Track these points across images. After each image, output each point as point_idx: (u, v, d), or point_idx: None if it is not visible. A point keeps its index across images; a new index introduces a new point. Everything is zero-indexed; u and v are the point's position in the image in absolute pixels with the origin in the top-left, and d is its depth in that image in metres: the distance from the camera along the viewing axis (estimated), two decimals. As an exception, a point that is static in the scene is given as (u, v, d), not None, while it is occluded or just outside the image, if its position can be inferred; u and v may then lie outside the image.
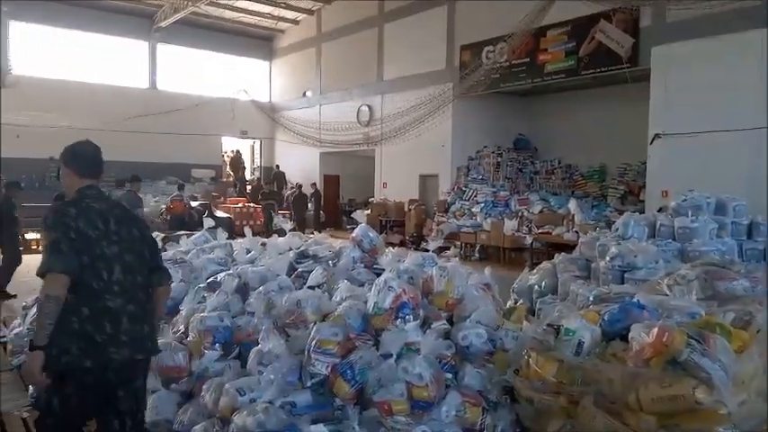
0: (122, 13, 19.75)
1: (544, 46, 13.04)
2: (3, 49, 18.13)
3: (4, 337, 5.38)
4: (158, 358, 3.44)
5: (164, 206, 16.59)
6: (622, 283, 4.87)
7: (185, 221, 12.74)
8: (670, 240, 5.58)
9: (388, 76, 17.66)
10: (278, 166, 21.96)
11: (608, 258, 5.17)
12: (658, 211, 7.38)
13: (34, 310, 4.66)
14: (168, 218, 13.97)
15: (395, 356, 3.08)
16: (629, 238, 5.57)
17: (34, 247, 13.55)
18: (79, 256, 2.44)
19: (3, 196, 8.72)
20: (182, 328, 3.69)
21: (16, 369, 4.63)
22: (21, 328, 4.80)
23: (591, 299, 3.71)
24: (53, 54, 19.06)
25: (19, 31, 18.44)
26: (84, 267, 2.45)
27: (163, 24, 19.66)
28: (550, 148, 15.68)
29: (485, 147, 15.67)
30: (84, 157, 2.73)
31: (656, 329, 2.76)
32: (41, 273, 2.42)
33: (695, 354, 2.52)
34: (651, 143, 11.09)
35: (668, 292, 3.74)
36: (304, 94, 21.48)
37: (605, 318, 3.10)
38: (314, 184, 19.31)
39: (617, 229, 5.83)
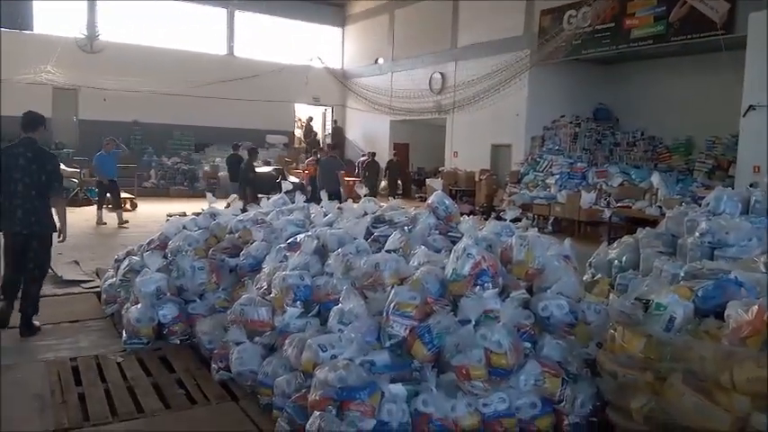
0: (202, -20, 20.21)
1: (631, 10, 12.34)
2: (91, 16, 18.97)
3: (98, 287, 5.75)
4: (243, 312, 3.59)
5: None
6: (712, 261, 4.62)
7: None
8: (764, 218, 5.23)
9: (462, 43, 17.27)
10: (335, 122, 22.01)
11: (697, 234, 4.90)
12: (750, 186, 6.93)
13: (126, 262, 4.95)
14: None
15: (473, 323, 3.07)
16: (721, 213, 5.25)
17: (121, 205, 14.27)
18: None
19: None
20: (264, 285, 3.81)
21: (110, 317, 4.95)
22: (113, 279, 5.10)
23: (682, 275, 3.54)
24: (137, 21, 19.77)
25: (106, -2, 19.22)
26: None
27: (240, -9, 19.98)
28: (633, 118, 14.95)
29: (562, 116, 15.14)
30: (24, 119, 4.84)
31: (755, 307, 2.62)
32: None
33: (799, 335, 2.37)
34: (744, 115, 10.36)
35: (765, 271, 3.53)
36: (376, 61, 21.38)
37: (699, 294, 2.96)
38: (395, 153, 19.21)
39: (707, 203, 5.50)
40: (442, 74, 17.88)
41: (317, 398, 2.71)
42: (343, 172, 11.36)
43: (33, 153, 4.62)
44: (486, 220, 5.05)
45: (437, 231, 4.46)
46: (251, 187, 11.50)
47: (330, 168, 11.14)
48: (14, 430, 2.97)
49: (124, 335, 4.25)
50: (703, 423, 2.57)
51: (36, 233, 4.58)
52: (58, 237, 4.83)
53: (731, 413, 2.50)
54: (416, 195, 18.72)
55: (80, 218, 12.44)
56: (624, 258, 5.56)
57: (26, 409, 3.19)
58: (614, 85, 15.28)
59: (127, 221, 11.62)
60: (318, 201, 5.62)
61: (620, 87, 15.14)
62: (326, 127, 24.19)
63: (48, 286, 6.02)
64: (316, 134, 22.82)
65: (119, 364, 3.90)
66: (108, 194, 11.75)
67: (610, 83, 15.34)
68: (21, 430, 2.97)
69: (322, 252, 4.08)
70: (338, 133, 21.45)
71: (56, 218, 4.77)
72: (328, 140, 22.14)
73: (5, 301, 4.63)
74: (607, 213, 11.17)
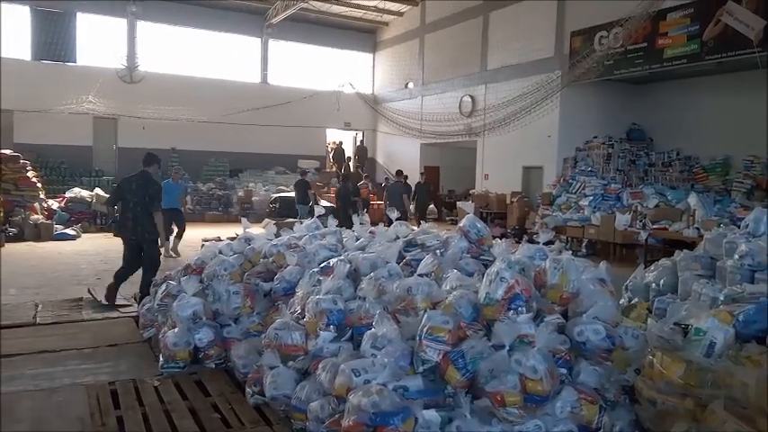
0: (238, 11, 20.83)
1: (664, 30, 12.25)
2: (131, 47, 19.67)
3: (135, 312, 5.87)
4: (277, 337, 3.63)
5: (273, 195, 17.42)
6: (752, 284, 4.49)
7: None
8: (806, 239, 5.06)
9: (492, 66, 17.35)
10: (340, 143, 22.15)
11: (737, 257, 4.77)
12: (793, 207, 6.74)
13: (164, 287, 5.06)
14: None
15: (507, 348, 3.04)
16: (761, 235, 5.11)
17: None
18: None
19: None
20: (298, 309, 3.85)
21: (147, 341, 5.04)
22: (150, 304, 5.21)
23: (722, 298, 3.45)
24: (175, 51, 20.44)
25: (145, 29, 19.95)
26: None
27: (274, 21, 20.51)
28: (668, 138, 14.73)
29: (594, 137, 15.01)
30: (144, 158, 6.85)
31: (800, 333, 2.54)
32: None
33: None
34: (783, 133, 10.13)
35: (809, 294, 3.41)
36: (406, 85, 21.60)
37: (740, 318, 2.89)
38: (422, 174, 19.17)
39: (747, 225, 5.36)
40: (472, 97, 17.96)
41: (351, 423, 2.71)
42: (406, 195, 12.65)
43: (143, 181, 6.53)
44: (518, 242, 5.01)
45: (469, 255, 4.44)
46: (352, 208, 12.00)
47: (398, 192, 12.46)
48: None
49: (161, 359, 4.32)
50: (748, 452, 2.49)
51: (144, 239, 6.27)
52: (160, 241, 6.65)
53: (776, 442, 2.42)
54: (447, 218, 18.68)
55: (118, 243, 12.74)
56: (662, 282, 5.44)
57: (67, 432, 3.26)
58: (648, 105, 15.11)
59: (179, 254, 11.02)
60: (348, 223, 5.71)
61: (654, 107, 14.96)
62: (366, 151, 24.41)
63: (87, 311, 6.21)
64: (350, 158, 23.05)
65: (156, 387, 3.96)
66: (173, 223, 10.58)
67: (643, 103, 15.18)
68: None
69: (354, 276, 4.11)
70: (362, 153, 21.76)
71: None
72: (351, 161, 22.38)
73: (115, 282, 6.52)
74: (643, 235, 10.96)
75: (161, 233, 6.57)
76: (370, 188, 18.92)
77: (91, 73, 18.44)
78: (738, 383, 2.61)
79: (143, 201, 6.40)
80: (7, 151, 14.68)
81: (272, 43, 21.84)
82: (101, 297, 6.62)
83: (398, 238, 4.86)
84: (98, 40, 19.41)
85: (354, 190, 13.14)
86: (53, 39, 18.42)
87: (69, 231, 13.49)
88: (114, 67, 19.13)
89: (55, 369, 4.32)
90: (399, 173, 14.09)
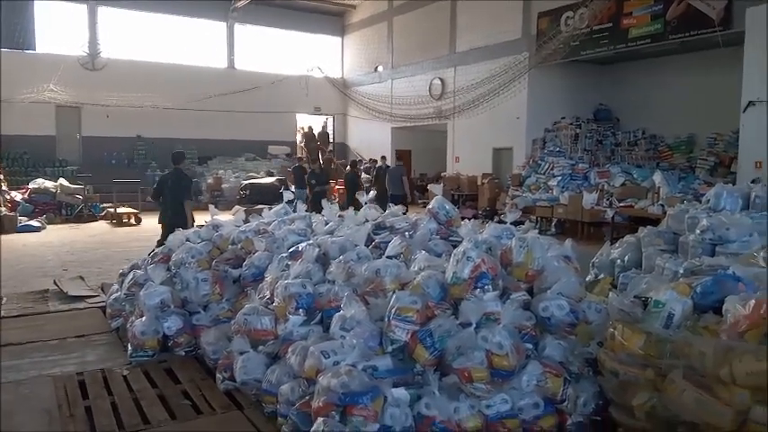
0: (202, -5, 20.36)
1: (628, 10, 12.43)
2: (92, 33, 19.14)
3: (103, 302, 5.79)
4: (247, 322, 3.63)
5: (243, 182, 17.25)
6: (712, 257, 4.62)
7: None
8: (765, 213, 5.23)
9: (461, 48, 17.36)
10: (310, 128, 22.02)
11: (698, 231, 4.90)
12: (752, 183, 6.93)
13: (131, 275, 4.99)
14: None
15: (474, 325, 3.09)
16: (722, 210, 5.26)
17: (125, 220, 14.38)
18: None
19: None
20: (267, 294, 3.84)
21: (115, 331, 4.98)
22: (118, 294, 5.14)
23: (681, 272, 3.54)
24: (138, 37, 19.94)
25: (106, 15, 19.40)
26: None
27: (239, 5, 20.13)
28: (634, 118, 14.99)
29: (562, 118, 15.18)
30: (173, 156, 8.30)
31: (753, 301, 2.62)
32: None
33: (797, 327, 2.38)
34: (744, 111, 10.38)
35: (764, 266, 3.53)
36: (375, 68, 21.49)
37: (697, 290, 2.97)
38: (398, 158, 19.01)
39: (708, 200, 5.52)
40: (441, 79, 17.97)
41: (321, 404, 2.73)
42: (406, 178, 13.50)
43: (177, 177, 7.84)
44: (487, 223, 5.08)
45: (438, 236, 4.48)
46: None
47: (397, 175, 13.35)
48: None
49: (129, 348, 4.28)
50: (705, 417, 2.58)
51: (177, 224, 6.75)
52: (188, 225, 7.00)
53: (732, 407, 2.51)
54: (420, 201, 18.74)
55: (84, 234, 12.53)
56: (626, 257, 5.57)
57: (34, 424, 3.22)
58: (614, 86, 15.32)
59: None
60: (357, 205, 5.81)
61: (620, 87, 15.18)
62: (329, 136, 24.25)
63: (53, 302, 6.10)
64: (318, 143, 22.89)
65: (125, 377, 3.93)
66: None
67: (609, 83, 15.39)
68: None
69: (323, 260, 4.11)
70: (323, 138, 21.88)
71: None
72: (324, 148, 22.26)
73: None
74: (610, 213, 11.18)
75: (188, 218, 7.45)
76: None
77: (51, 60, 17.89)
78: (696, 353, 2.69)
79: (177, 193, 7.66)
80: (-34, 142, 14.24)
81: (237, 27, 21.46)
82: (67, 288, 6.50)
83: (367, 221, 4.88)
84: (58, 27, 18.82)
85: (404, 170, 14.15)
86: (10, 25, 17.80)
87: (34, 223, 13.18)
88: (76, 55, 18.60)
89: (21, 361, 4.24)
90: (399, 158, 14.84)
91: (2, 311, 5.70)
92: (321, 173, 13.88)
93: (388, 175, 13.80)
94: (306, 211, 5.61)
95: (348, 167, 15.44)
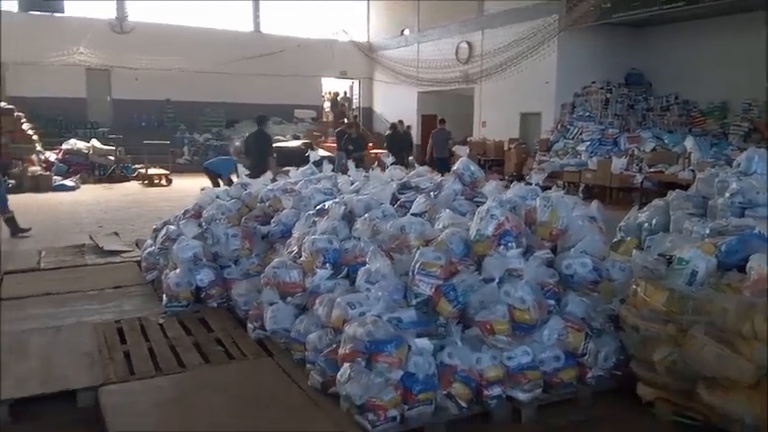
0: (228, -44, 20.20)
1: (663, -30, 11.98)
2: (121, -4, 19.21)
3: (138, 257, 5.99)
4: (276, 275, 3.74)
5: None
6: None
7: None
8: (797, 177, 5.12)
9: (489, 10, 16.98)
10: (336, 94, 22.05)
11: (728, 195, 4.82)
12: (787, 148, 6.76)
13: (164, 231, 5.15)
14: None
15: (497, 281, 3.15)
16: (753, 174, 5.16)
17: (157, 181, 14.65)
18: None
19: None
20: (295, 249, 3.94)
21: (150, 283, 5.17)
22: (152, 248, 5.31)
23: (707, 232, 3.53)
24: (165, 1, 19.93)
25: (134, -23, 19.40)
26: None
27: (266, -34, 19.92)
28: (666, 83, 14.58)
29: (592, 83, 14.85)
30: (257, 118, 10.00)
31: (777, 259, 2.63)
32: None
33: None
34: (781, 76, 10.05)
35: (793, 228, 3.50)
36: (402, 32, 21.18)
37: (722, 248, 2.99)
38: (442, 120, 18.83)
39: (739, 164, 5.41)
40: (468, 43, 17.66)
41: (347, 351, 2.83)
42: (451, 141, 14.01)
43: (260, 136, 9.25)
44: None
45: (463, 197, 4.52)
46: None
47: (442, 138, 13.93)
48: (67, 385, 3.17)
49: (164, 299, 4.45)
50: (725, 372, 2.62)
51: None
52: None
53: (752, 362, 2.55)
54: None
55: (118, 193, 12.85)
56: (654, 221, 5.51)
57: (76, 366, 3.40)
58: (646, 50, 14.88)
59: None
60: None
61: (653, 51, 14.74)
62: (353, 101, 24.14)
63: (90, 256, 6.32)
64: (344, 107, 22.85)
65: (160, 324, 4.10)
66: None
67: (642, 47, 14.95)
68: (72, 385, 3.17)
69: (349, 218, 4.18)
70: (342, 105, 22.01)
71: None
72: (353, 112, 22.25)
73: None
74: (639, 179, 11.02)
75: (272, 171, 7.61)
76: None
77: (81, 24, 18.05)
78: (718, 309, 2.72)
79: (261, 151, 8.94)
80: (2, 104, 14.56)
81: (264, -10, 21.31)
82: (102, 243, 6.73)
83: (393, 181, 4.93)
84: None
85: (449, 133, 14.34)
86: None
87: (68, 182, 13.53)
88: (104, 18, 18.71)
89: (61, 310, 4.44)
90: (443, 121, 14.70)
91: (41, 264, 5.94)
92: (358, 137, 13.34)
93: (433, 139, 14.19)
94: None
95: (389, 130, 15.72)
